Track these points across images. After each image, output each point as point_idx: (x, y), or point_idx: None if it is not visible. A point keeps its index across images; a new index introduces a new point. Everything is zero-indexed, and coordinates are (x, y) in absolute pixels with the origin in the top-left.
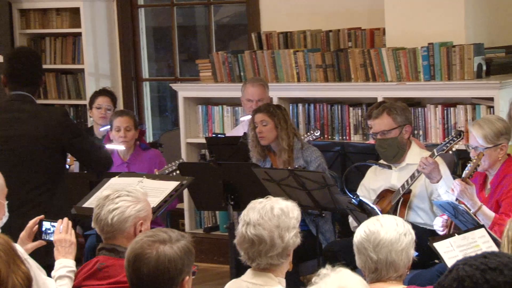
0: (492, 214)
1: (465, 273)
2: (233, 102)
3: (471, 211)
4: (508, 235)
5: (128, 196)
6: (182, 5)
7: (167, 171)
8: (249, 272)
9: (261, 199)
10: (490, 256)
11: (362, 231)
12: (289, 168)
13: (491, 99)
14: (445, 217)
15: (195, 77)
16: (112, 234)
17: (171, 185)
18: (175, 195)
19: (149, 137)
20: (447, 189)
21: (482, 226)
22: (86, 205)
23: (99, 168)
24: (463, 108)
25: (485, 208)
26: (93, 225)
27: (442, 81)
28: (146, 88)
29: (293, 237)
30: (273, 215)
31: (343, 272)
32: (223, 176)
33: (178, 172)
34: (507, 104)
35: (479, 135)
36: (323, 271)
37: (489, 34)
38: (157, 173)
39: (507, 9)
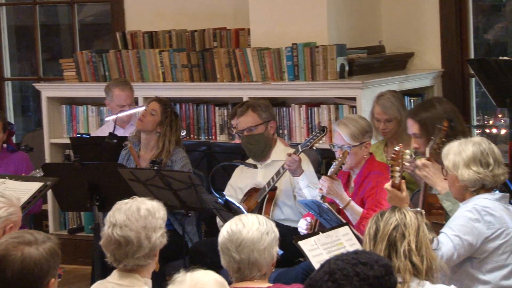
0: (360, 209)
1: (336, 266)
2: (98, 102)
3: (340, 207)
4: (370, 233)
5: (3, 198)
6: (45, 4)
7: None
8: (115, 273)
9: (127, 200)
10: (362, 253)
11: (225, 232)
12: (155, 168)
13: (354, 99)
14: (309, 219)
15: (58, 77)
16: None
17: (35, 186)
18: (38, 196)
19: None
20: (308, 183)
21: (346, 224)
22: None
23: None
24: (326, 107)
25: (353, 204)
26: None
27: (306, 81)
28: (8, 88)
29: (159, 238)
30: (140, 216)
31: (198, 274)
32: (88, 177)
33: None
34: (369, 104)
35: (345, 133)
36: (178, 275)
37: (351, 35)
38: None
39: (368, 11)
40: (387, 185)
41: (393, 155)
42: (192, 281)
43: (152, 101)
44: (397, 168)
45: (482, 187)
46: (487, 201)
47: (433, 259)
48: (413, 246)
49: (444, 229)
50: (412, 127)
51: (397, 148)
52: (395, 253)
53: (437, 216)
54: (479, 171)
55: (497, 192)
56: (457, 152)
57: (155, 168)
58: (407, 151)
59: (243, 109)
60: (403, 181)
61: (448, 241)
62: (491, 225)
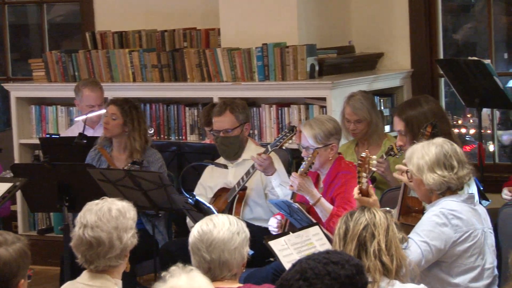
0: (330, 206)
1: (307, 266)
2: (67, 102)
3: (310, 203)
4: (339, 233)
5: None
6: (14, 4)
7: None
8: (85, 274)
9: (97, 201)
10: (333, 252)
11: (196, 232)
12: (125, 168)
13: (324, 99)
14: (279, 217)
15: (27, 77)
16: None
17: (4, 186)
18: (7, 197)
19: None
20: (281, 182)
21: (316, 224)
22: None
23: None
24: (296, 108)
25: (323, 201)
26: None
27: (276, 81)
28: None
29: (131, 238)
30: (111, 217)
31: (193, 273)
32: (57, 177)
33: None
34: (338, 104)
35: (309, 135)
36: (173, 268)
37: (321, 36)
38: None
39: (338, 11)
40: (356, 193)
41: (359, 161)
42: (185, 277)
43: (109, 105)
44: (364, 174)
45: (448, 189)
46: (454, 203)
47: (403, 258)
48: (383, 245)
49: (412, 235)
50: (398, 124)
51: (363, 154)
52: (365, 253)
53: (414, 219)
54: (443, 174)
55: (463, 193)
56: (420, 155)
57: (125, 168)
58: (374, 157)
59: (221, 109)
60: (371, 186)
61: (416, 247)
62: (459, 228)
